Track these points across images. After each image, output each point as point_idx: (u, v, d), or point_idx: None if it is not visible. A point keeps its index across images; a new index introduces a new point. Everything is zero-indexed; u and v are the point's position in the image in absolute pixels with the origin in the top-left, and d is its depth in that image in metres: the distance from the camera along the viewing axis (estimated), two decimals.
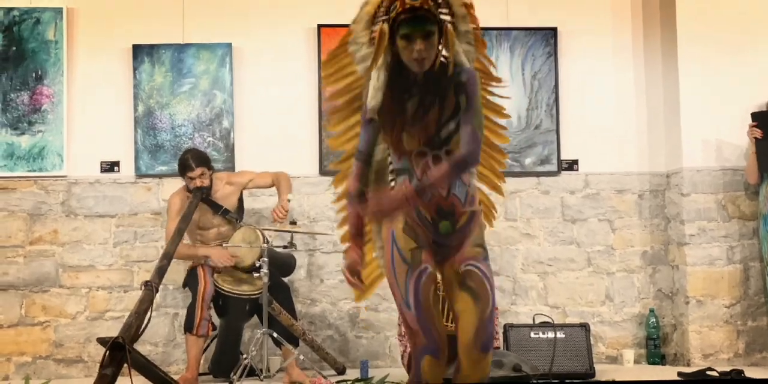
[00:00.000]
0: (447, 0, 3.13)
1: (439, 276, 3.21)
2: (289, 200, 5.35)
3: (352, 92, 3.38)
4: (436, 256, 3.17)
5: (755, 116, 5.68)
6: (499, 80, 3.47)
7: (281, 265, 5.32)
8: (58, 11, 5.91)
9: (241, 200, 5.53)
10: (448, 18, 3.13)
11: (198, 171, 5.29)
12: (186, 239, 5.31)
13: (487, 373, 3.09)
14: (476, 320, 3.02)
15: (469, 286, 3.07)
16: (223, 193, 5.42)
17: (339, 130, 3.48)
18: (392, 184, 3.20)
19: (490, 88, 3.49)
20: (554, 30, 6.13)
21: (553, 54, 6.12)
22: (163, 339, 5.83)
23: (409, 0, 3.02)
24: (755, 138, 5.62)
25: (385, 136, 3.18)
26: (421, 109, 3.09)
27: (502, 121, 3.59)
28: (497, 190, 3.58)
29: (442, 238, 3.14)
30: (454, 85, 3.08)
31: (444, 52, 3.11)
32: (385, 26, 3.06)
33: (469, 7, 3.20)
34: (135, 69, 5.93)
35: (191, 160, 5.31)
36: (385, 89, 3.10)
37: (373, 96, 3.11)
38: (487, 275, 3.09)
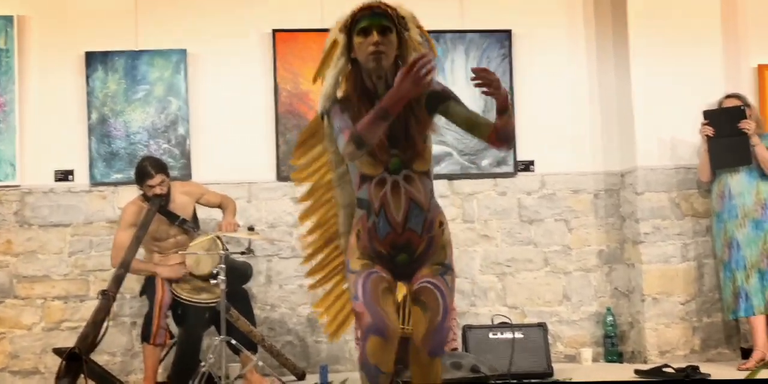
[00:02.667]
0: (406, 23, 3.13)
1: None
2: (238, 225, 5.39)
3: (313, 125, 3.37)
4: (397, 277, 3.19)
5: (707, 114, 5.75)
6: None
7: (238, 275, 5.30)
8: (9, 19, 5.85)
9: (195, 211, 5.50)
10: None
11: (158, 178, 5.24)
12: (140, 253, 5.26)
13: (438, 378, 3.11)
14: (425, 327, 3.04)
15: (421, 301, 3.09)
16: (180, 202, 5.38)
17: (303, 163, 3.45)
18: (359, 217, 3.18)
19: None
20: (509, 32, 6.17)
21: (508, 56, 6.16)
22: (121, 348, 5.79)
23: (367, 2, 3.08)
24: (707, 136, 5.68)
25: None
26: (398, 120, 3.03)
27: None
28: None
29: (400, 269, 3.18)
30: (428, 97, 3.08)
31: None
32: (342, 36, 3.10)
33: (426, 35, 3.22)
34: (88, 76, 5.89)
35: (150, 168, 5.25)
36: (337, 87, 3.11)
37: (326, 89, 3.11)
38: (439, 288, 3.09)
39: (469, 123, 3.13)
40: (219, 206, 5.52)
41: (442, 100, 3.13)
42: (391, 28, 3.05)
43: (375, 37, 3.02)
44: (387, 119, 2.89)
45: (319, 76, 3.26)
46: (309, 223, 3.50)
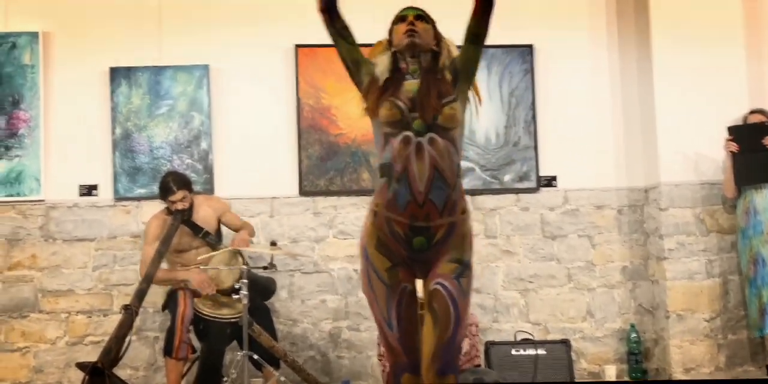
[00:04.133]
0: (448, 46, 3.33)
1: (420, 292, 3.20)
2: (252, 242, 5.42)
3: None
4: (416, 272, 3.15)
5: (731, 130, 5.72)
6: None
7: (261, 289, 5.31)
8: (34, 35, 5.91)
9: (219, 224, 5.51)
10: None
11: (180, 194, 5.27)
12: (163, 265, 5.28)
13: None
14: (434, 344, 3.00)
15: (433, 308, 3.05)
16: (204, 215, 5.40)
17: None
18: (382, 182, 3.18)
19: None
20: (530, 47, 6.16)
21: (530, 71, 6.16)
22: (144, 363, 5.80)
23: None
24: (731, 152, 5.66)
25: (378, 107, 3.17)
26: (424, 88, 3.13)
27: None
28: None
29: (416, 254, 3.10)
30: (451, 65, 3.22)
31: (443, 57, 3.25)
32: (385, 39, 3.34)
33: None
34: (112, 92, 5.93)
35: (172, 184, 5.28)
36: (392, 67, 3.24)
37: (382, 71, 3.24)
38: (453, 295, 3.04)
39: (467, 36, 3.27)
40: (238, 230, 5.51)
41: (456, 64, 3.26)
42: (426, 18, 3.26)
43: (410, 18, 3.22)
44: None
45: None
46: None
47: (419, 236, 3.06)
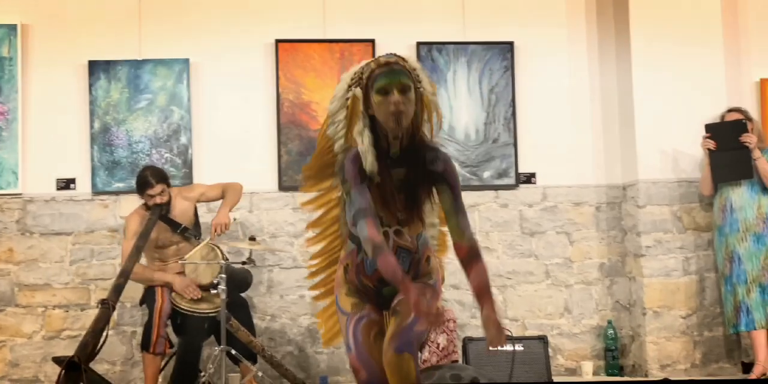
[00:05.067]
0: (418, 74, 3.10)
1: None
2: (235, 219, 5.33)
3: (325, 156, 3.35)
4: (383, 307, 3.20)
5: (708, 128, 5.75)
6: None
7: (238, 281, 5.30)
8: (12, 28, 5.87)
9: (196, 215, 5.50)
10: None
11: (158, 188, 5.25)
12: (142, 260, 5.26)
13: (410, 377, 2.99)
14: (393, 329, 3.03)
15: (396, 310, 3.09)
16: (180, 209, 5.38)
17: (313, 193, 3.46)
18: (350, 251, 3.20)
19: None
20: (511, 44, 6.18)
21: (510, 68, 6.17)
22: (121, 357, 5.78)
23: (384, 58, 3.02)
24: (709, 149, 5.69)
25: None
26: (408, 181, 3.06)
27: None
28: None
29: (387, 299, 3.17)
30: (431, 173, 3.07)
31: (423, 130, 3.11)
32: (358, 90, 3.06)
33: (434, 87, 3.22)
34: (91, 85, 5.89)
35: (150, 177, 5.26)
36: (374, 151, 3.03)
37: (371, 158, 3.01)
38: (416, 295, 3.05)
39: (447, 217, 3.13)
40: (222, 197, 5.50)
41: (441, 182, 3.10)
42: (410, 85, 2.99)
43: (396, 95, 2.95)
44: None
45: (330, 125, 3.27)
46: (315, 247, 3.55)
47: (388, 286, 3.11)
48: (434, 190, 3.14)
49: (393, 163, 3.06)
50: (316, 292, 3.63)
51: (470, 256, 3.08)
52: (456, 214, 3.09)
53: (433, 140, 3.16)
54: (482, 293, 3.04)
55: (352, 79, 3.11)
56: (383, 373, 3.01)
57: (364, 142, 3.02)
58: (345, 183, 3.12)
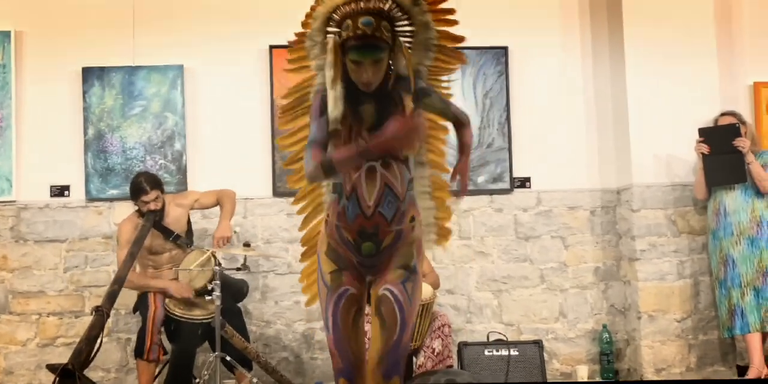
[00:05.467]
0: (408, 10, 3.08)
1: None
2: (236, 232, 5.32)
3: (302, 91, 3.34)
4: (366, 276, 3.18)
5: (702, 132, 5.76)
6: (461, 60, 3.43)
7: (233, 291, 5.29)
8: (6, 34, 5.87)
9: (189, 223, 5.50)
10: (408, 28, 3.10)
11: (152, 194, 5.25)
12: (136, 266, 5.25)
13: None
14: (380, 347, 3.05)
15: (380, 312, 3.09)
16: (174, 216, 5.38)
17: (289, 129, 3.43)
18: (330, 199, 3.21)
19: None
20: (505, 49, 6.18)
21: (504, 73, 6.18)
22: (116, 365, 5.77)
23: (362, 26, 2.97)
24: (702, 154, 5.70)
25: (336, 143, 3.09)
26: (377, 119, 3.06)
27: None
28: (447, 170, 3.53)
29: (365, 260, 3.14)
30: (414, 93, 3.10)
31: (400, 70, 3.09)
32: (337, 42, 3.02)
33: (437, 12, 3.16)
34: (85, 92, 5.89)
35: (145, 184, 5.26)
36: (342, 100, 3.04)
37: (334, 106, 3.03)
38: (399, 300, 3.08)
39: (441, 115, 3.33)
40: (217, 205, 5.48)
41: (426, 95, 3.18)
42: (382, 56, 3.00)
43: (367, 70, 3.00)
44: (365, 159, 2.99)
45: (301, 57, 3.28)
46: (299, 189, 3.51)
47: (367, 241, 3.11)
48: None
49: (366, 99, 3.08)
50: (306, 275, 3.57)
51: (457, 127, 3.32)
52: (447, 109, 3.29)
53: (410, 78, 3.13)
54: (461, 150, 3.34)
55: (335, 13, 3.05)
56: (358, 361, 3.07)
57: (337, 90, 3.03)
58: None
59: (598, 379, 5.92)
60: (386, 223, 3.09)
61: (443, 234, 3.56)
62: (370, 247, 3.11)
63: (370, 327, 3.22)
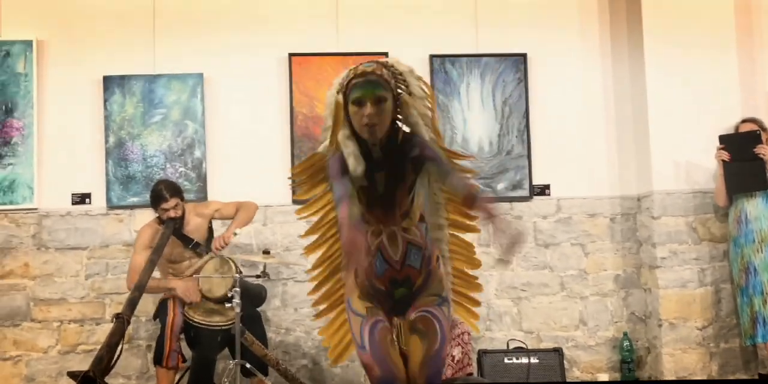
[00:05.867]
0: (405, 79, 3.13)
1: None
2: (236, 234, 5.33)
3: (314, 166, 3.34)
4: (395, 312, 3.20)
5: (722, 139, 5.73)
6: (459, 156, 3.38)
7: (252, 296, 5.30)
8: (28, 44, 5.92)
9: (210, 231, 5.52)
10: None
11: (172, 202, 5.27)
12: (156, 274, 5.27)
13: None
14: (422, 355, 3.06)
15: (418, 328, 3.11)
16: (194, 225, 5.40)
17: (308, 198, 3.45)
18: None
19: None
20: (524, 56, 6.18)
21: (524, 80, 6.17)
22: (136, 372, 5.79)
23: (363, 67, 3.05)
24: (723, 161, 5.67)
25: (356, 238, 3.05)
26: (391, 182, 3.10)
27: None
28: (471, 230, 3.52)
29: (399, 304, 3.19)
30: (410, 161, 3.11)
31: (404, 128, 3.13)
32: (340, 96, 3.08)
33: (427, 87, 3.21)
34: (106, 100, 5.93)
35: (165, 191, 5.28)
36: (360, 156, 3.06)
37: (354, 163, 3.05)
38: (437, 316, 3.12)
39: (446, 186, 3.20)
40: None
41: (421, 163, 3.14)
42: (385, 97, 3.03)
43: (368, 108, 3.00)
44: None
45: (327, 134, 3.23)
46: (314, 256, 3.51)
47: (401, 288, 3.17)
48: (425, 183, 3.17)
49: (376, 166, 3.10)
50: (319, 309, 3.59)
51: (469, 202, 3.07)
52: (448, 177, 3.11)
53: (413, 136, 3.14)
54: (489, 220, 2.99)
55: (339, 85, 3.13)
56: (398, 371, 3.04)
57: (348, 147, 3.07)
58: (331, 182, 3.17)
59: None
60: (416, 272, 3.16)
61: (471, 260, 3.57)
62: (403, 292, 3.17)
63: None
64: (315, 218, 3.46)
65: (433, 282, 3.20)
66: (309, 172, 3.35)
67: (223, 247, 5.27)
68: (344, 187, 3.07)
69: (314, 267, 3.52)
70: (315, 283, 3.52)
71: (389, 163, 3.10)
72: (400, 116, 3.13)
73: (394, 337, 3.14)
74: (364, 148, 3.08)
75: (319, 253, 3.49)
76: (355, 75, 3.05)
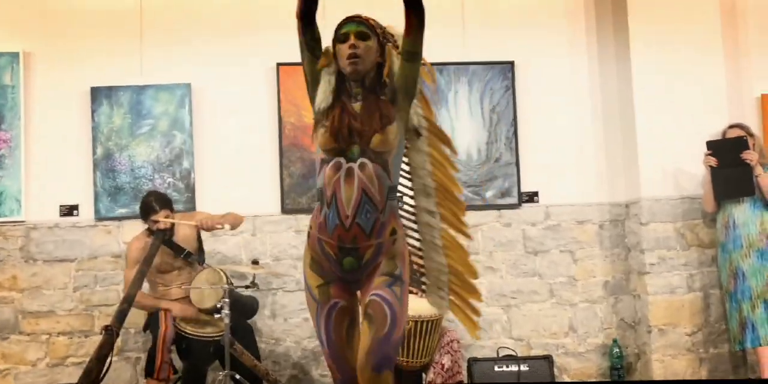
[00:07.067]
0: (396, 39, 3.26)
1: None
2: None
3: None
4: (351, 288, 3.19)
5: (710, 145, 5.75)
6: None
7: (244, 308, 5.30)
8: (15, 55, 5.90)
9: (200, 241, 5.51)
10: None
11: (162, 213, 5.27)
12: (145, 287, 5.26)
13: None
14: (369, 341, 3.00)
15: (368, 314, 3.07)
16: (184, 235, 5.40)
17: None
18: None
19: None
20: (511, 64, 6.19)
21: (511, 87, 6.19)
22: None
23: (351, 15, 3.23)
24: (710, 166, 5.69)
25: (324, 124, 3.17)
26: (363, 112, 3.14)
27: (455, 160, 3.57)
28: (463, 233, 3.53)
29: (348, 275, 3.15)
30: (390, 83, 3.20)
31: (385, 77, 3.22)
32: (329, 45, 3.22)
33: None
34: (93, 111, 5.92)
35: (155, 203, 5.28)
36: (331, 94, 3.18)
37: (323, 98, 3.18)
38: (386, 299, 3.07)
39: (402, 54, 3.20)
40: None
41: (394, 82, 3.22)
42: (369, 34, 3.17)
43: (352, 40, 3.14)
44: None
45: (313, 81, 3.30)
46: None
47: (348, 256, 3.12)
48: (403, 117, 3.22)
49: (354, 99, 3.20)
50: None
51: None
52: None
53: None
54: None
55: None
56: (353, 372, 3.04)
57: (330, 82, 3.18)
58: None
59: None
60: (364, 236, 3.10)
61: (470, 320, 3.63)
62: (351, 262, 3.12)
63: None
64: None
65: (384, 259, 3.15)
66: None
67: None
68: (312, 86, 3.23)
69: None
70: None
71: (366, 97, 3.19)
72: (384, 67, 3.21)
73: (350, 321, 3.13)
74: (346, 86, 3.20)
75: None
76: (342, 20, 3.23)
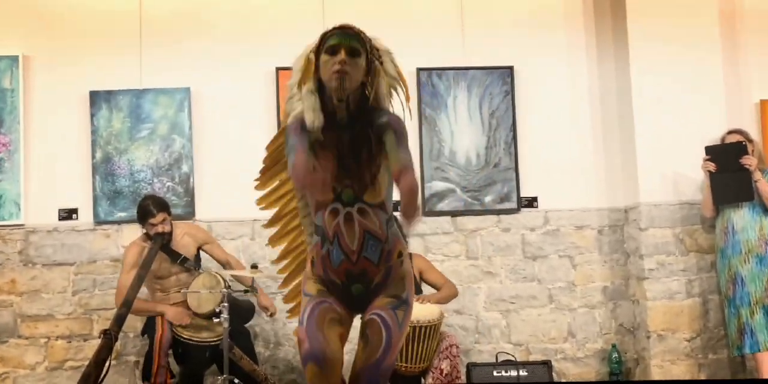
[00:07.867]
0: (381, 55, 3.07)
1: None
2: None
3: (277, 150, 3.31)
4: (355, 309, 3.12)
5: (709, 150, 5.75)
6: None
7: (241, 312, 5.29)
8: (14, 59, 5.91)
9: (198, 252, 5.50)
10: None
11: (160, 217, 5.26)
12: (143, 290, 5.25)
13: None
14: (361, 364, 2.96)
15: (365, 334, 3.01)
16: (183, 242, 5.39)
17: (269, 189, 3.42)
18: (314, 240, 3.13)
19: None
20: (511, 69, 6.20)
21: (511, 92, 6.19)
22: None
23: (341, 25, 3.01)
24: (709, 172, 5.69)
25: (312, 178, 2.96)
26: (356, 146, 2.99)
27: None
28: None
29: (356, 299, 3.09)
30: (376, 127, 2.99)
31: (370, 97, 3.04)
32: (311, 54, 3.00)
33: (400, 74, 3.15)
34: (92, 115, 5.92)
35: (152, 207, 5.28)
36: (319, 110, 2.96)
37: (312, 116, 2.95)
38: (386, 322, 2.99)
39: (389, 154, 3.01)
40: (224, 264, 5.50)
41: (386, 131, 3.01)
42: (360, 51, 2.96)
43: (342, 55, 2.91)
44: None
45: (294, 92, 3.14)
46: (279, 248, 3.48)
47: (356, 283, 3.06)
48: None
49: (339, 128, 2.99)
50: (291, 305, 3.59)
51: (398, 177, 2.94)
52: (399, 150, 2.96)
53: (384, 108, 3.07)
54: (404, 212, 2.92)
55: (312, 47, 3.03)
56: (327, 347, 2.91)
57: (308, 101, 2.96)
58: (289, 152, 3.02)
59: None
60: (373, 266, 3.05)
61: None
62: (359, 289, 3.06)
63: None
64: (275, 209, 3.41)
65: (393, 280, 3.08)
66: (273, 156, 3.30)
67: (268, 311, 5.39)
68: (299, 139, 2.96)
69: (279, 258, 3.49)
70: (284, 274, 3.48)
71: (353, 127, 2.99)
72: (369, 88, 3.03)
73: (338, 318, 3.03)
74: (328, 107, 2.98)
75: (283, 245, 3.45)
76: (332, 29, 2.99)
